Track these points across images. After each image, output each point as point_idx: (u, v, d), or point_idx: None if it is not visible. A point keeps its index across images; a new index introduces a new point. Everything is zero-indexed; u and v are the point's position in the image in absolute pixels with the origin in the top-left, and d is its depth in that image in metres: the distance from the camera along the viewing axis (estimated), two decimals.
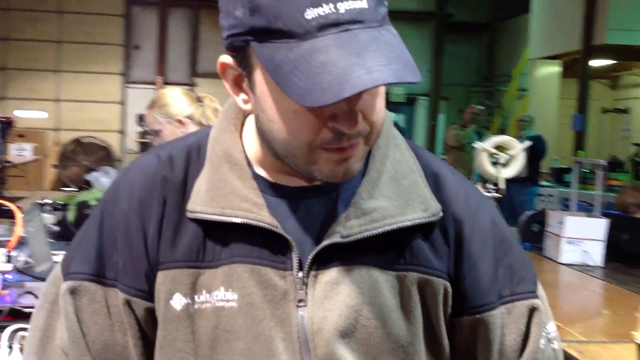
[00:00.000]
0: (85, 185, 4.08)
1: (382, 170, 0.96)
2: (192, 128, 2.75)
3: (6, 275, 2.26)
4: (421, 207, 0.95)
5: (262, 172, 0.97)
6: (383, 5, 0.84)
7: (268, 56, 0.81)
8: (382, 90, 0.88)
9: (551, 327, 1.05)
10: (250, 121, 1.00)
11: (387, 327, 0.93)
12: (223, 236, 0.93)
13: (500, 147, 4.48)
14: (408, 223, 0.94)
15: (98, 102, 14.08)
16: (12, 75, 13.53)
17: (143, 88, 14.45)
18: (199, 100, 2.82)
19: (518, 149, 4.30)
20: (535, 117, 9.56)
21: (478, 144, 4.39)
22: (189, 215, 0.94)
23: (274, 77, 0.81)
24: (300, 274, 0.92)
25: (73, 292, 0.97)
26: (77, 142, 12.05)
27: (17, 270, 2.34)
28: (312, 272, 0.93)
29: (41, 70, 13.55)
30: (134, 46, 14.49)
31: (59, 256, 2.94)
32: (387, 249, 0.94)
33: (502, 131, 11.85)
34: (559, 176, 8.99)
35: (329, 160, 0.88)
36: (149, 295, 0.96)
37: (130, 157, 12.99)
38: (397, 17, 8.34)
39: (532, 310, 1.02)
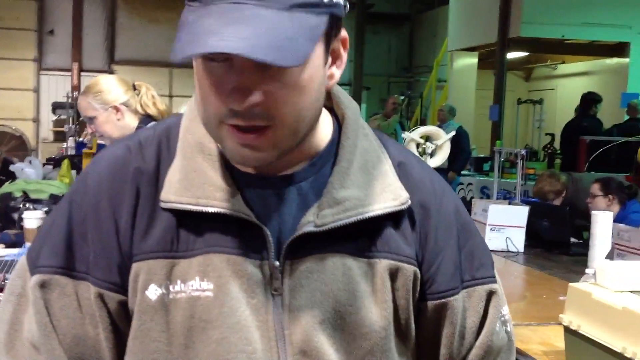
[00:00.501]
0: (2, 175, 3.94)
1: (352, 159, 0.98)
2: (128, 115, 2.74)
3: None
4: (391, 196, 0.98)
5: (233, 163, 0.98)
6: None
7: (183, 19, 0.86)
8: (299, 83, 0.87)
9: (505, 310, 1.10)
10: None
11: (361, 313, 0.95)
12: (197, 226, 0.94)
13: (425, 137, 4.58)
14: (379, 212, 0.96)
15: (11, 90, 13.57)
16: None
17: (58, 75, 14.02)
18: (134, 88, 2.79)
19: (444, 139, 4.41)
20: (456, 107, 9.82)
21: (406, 134, 4.47)
22: (163, 205, 0.94)
23: (175, 37, 0.84)
24: (276, 263, 0.94)
25: (43, 285, 0.96)
26: None
27: None
28: (287, 261, 0.94)
29: None
30: (49, 31, 14.02)
31: None
32: (359, 237, 0.96)
33: (422, 121, 12.10)
34: (479, 165, 9.25)
35: (231, 139, 0.89)
36: (121, 288, 0.95)
37: (45, 147, 12.62)
38: None
39: (490, 294, 1.07)
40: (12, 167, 3.78)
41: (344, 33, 0.94)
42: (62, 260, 0.96)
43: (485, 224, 4.13)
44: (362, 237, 0.97)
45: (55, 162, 5.37)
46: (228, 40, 0.78)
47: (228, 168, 0.96)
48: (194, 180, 0.94)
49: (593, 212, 3.75)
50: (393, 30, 15.42)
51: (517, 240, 4.14)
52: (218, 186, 0.94)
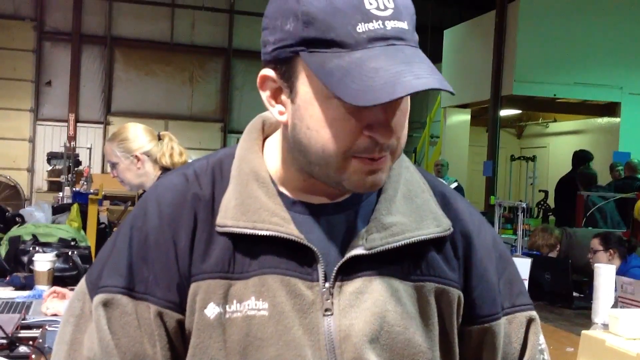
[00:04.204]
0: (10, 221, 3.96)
1: (397, 189, 1.04)
2: (148, 164, 2.79)
3: None
4: (434, 223, 1.03)
5: (284, 190, 1.03)
6: (415, 32, 0.94)
7: (318, 64, 0.89)
8: (408, 110, 0.96)
9: (542, 339, 1.14)
10: (271, 142, 1.06)
11: (408, 334, 0.99)
12: (252, 249, 0.98)
13: None
14: (424, 237, 1.01)
15: (6, 139, 13.61)
16: None
17: (54, 125, 14.10)
18: (159, 138, 2.84)
19: None
20: (449, 163, 9.91)
21: None
22: (219, 229, 0.99)
23: (327, 82, 0.88)
24: (327, 285, 0.98)
25: (106, 304, 0.99)
26: None
27: None
28: (338, 283, 0.98)
29: None
30: (46, 82, 14.14)
31: None
32: (404, 261, 1.01)
33: None
34: None
35: (359, 170, 0.94)
36: (180, 308, 0.99)
37: (39, 196, 12.58)
38: None
39: (530, 321, 1.11)
40: (21, 211, 3.80)
41: None
42: (123, 281, 1.00)
43: None
44: (408, 261, 1.01)
45: (54, 210, 5.38)
46: (425, 78, 0.85)
47: (279, 195, 1.01)
48: (250, 206, 0.99)
49: (596, 264, 3.78)
50: None
51: None
52: (272, 211, 0.98)
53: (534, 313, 1.12)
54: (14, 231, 3.41)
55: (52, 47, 14.28)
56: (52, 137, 13.94)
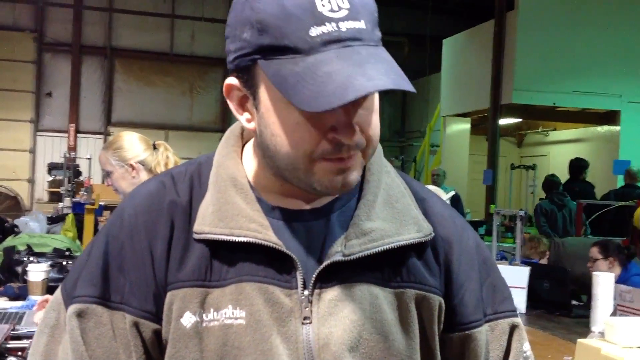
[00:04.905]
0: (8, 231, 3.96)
1: (377, 194, 1.02)
2: (143, 173, 2.77)
3: None
4: (415, 228, 1.01)
5: (263, 196, 1.01)
6: (377, 29, 0.93)
7: (275, 71, 0.88)
8: (376, 107, 0.95)
9: (527, 347, 1.11)
10: (249, 148, 1.05)
11: (388, 341, 0.97)
12: (229, 256, 0.96)
13: None
14: (404, 242, 0.99)
15: (6, 150, 13.62)
16: None
17: (54, 136, 14.11)
18: (154, 147, 2.83)
19: (445, 198, 4.44)
20: (448, 172, 9.90)
21: None
22: (196, 236, 0.97)
23: (281, 88, 0.87)
24: (306, 292, 0.96)
25: (80, 315, 0.97)
26: None
27: None
28: (316, 290, 0.96)
29: None
30: (46, 93, 14.17)
31: None
32: (384, 267, 0.99)
33: None
34: (474, 228, 9.26)
35: (328, 170, 0.93)
36: (156, 317, 0.97)
37: (39, 207, 12.58)
38: None
39: (513, 328, 1.09)
40: (16, 221, 3.79)
41: None
42: (98, 290, 0.98)
43: None
44: (387, 268, 1.00)
45: (53, 220, 5.37)
46: (377, 79, 0.84)
47: (258, 202, 0.99)
48: (227, 212, 0.97)
49: (594, 273, 3.76)
50: (385, 95, 15.66)
51: (519, 301, 4.13)
52: (250, 218, 0.97)
53: (517, 320, 1.10)
54: (9, 241, 3.41)
55: (52, 58, 14.31)
56: (53, 148, 13.96)
